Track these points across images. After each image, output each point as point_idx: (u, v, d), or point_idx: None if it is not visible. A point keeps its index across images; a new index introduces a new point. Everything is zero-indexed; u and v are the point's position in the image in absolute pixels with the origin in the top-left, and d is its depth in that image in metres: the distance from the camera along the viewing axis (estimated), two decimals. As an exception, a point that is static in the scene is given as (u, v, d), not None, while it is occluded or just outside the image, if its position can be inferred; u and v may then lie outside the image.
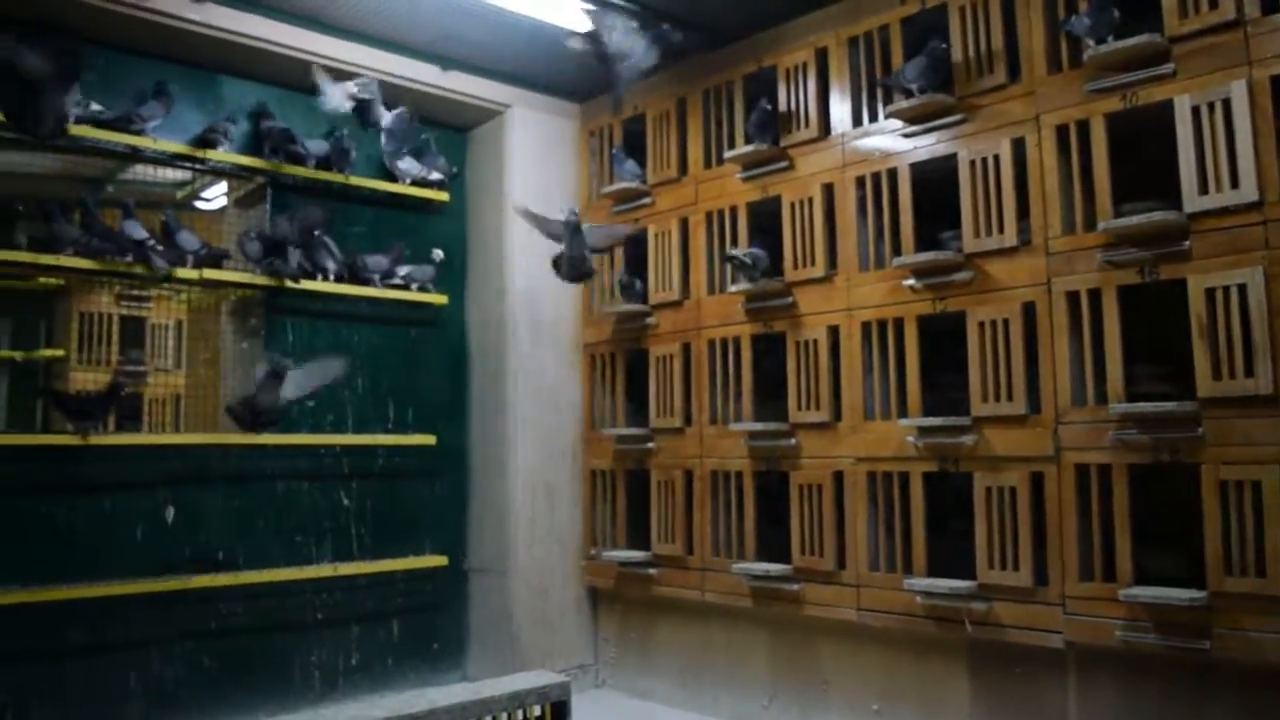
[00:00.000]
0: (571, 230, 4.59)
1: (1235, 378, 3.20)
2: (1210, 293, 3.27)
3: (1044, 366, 3.71)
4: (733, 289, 4.78)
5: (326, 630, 5.06)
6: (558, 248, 4.64)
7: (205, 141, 4.74)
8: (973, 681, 3.98)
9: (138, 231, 4.44)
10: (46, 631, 4.19)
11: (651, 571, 5.13)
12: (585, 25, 4.32)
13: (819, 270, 4.48)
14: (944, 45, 4.05)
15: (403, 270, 5.34)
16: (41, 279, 5.99)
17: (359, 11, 4.74)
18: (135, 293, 6.27)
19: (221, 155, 4.76)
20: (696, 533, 4.94)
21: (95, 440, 4.44)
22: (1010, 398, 3.76)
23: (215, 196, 5.95)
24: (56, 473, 4.32)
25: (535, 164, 5.65)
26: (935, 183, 4.11)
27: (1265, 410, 3.15)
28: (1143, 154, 3.60)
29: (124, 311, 6.49)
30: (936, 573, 3.97)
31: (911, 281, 4.09)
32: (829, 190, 4.50)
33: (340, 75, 4.80)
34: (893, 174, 4.24)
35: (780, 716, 4.68)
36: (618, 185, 5.41)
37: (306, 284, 4.94)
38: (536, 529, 5.46)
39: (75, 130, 4.31)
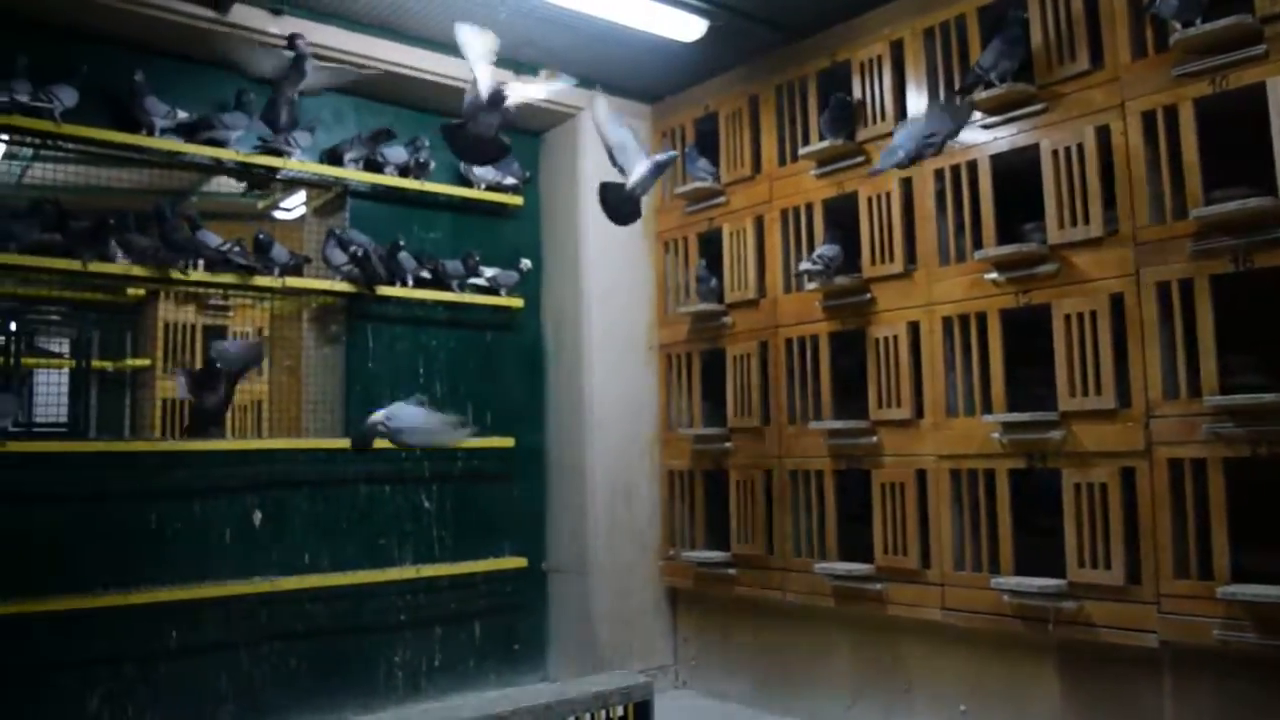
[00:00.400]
0: (479, 107, 3.66)
1: (1337, 367, 3.10)
2: (1309, 280, 3.17)
3: (1133, 359, 3.61)
4: (810, 287, 4.75)
5: (409, 631, 5.12)
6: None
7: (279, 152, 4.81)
8: (1063, 682, 3.90)
9: (211, 239, 4.53)
10: (141, 634, 4.30)
11: (731, 572, 5.11)
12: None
13: (898, 266, 4.42)
14: (1020, 26, 3.96)
15: (489, 272, 5.40)
16: (130, 290, 6.18)
17: (432, 19, 4.78)
18: (216, 302, 6.43)
19: (302, 165, 4.83)
20: (776, 532, 4.90)
21: (184, 446, 4.54)
22: (1099, 392, 3.67)
23: (295, 206, 6.07)
24: (148, 479, 4.42)
25: (608, 165, 5.62)
26: (1016, 174, 4.03)
27: (1370, 400, 3.04)
28: (1234, 139, 3.49)
29: (207, 321, 6.65)
30: (1024, 571, 3.89)
31: (994, 275, 4.02)
32: (907, 185, 4.44)
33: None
34: (972, 166, 4.17)
35: (863, 717, 4.63)
36: (691, 185, 5.40)
37: (387, 290, 5.00)
38: (615, 530, 5.46)
39: (159, 143, 4.42)
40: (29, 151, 4.84)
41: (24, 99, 4.04)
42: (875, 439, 4.45)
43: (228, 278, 4.61)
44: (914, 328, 4.36)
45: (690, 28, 4.78)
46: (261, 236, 4.69)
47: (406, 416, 3.91)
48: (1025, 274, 3.92)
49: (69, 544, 4.20)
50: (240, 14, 4.46)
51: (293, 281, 4.76)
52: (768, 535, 4.95)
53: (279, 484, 4.77)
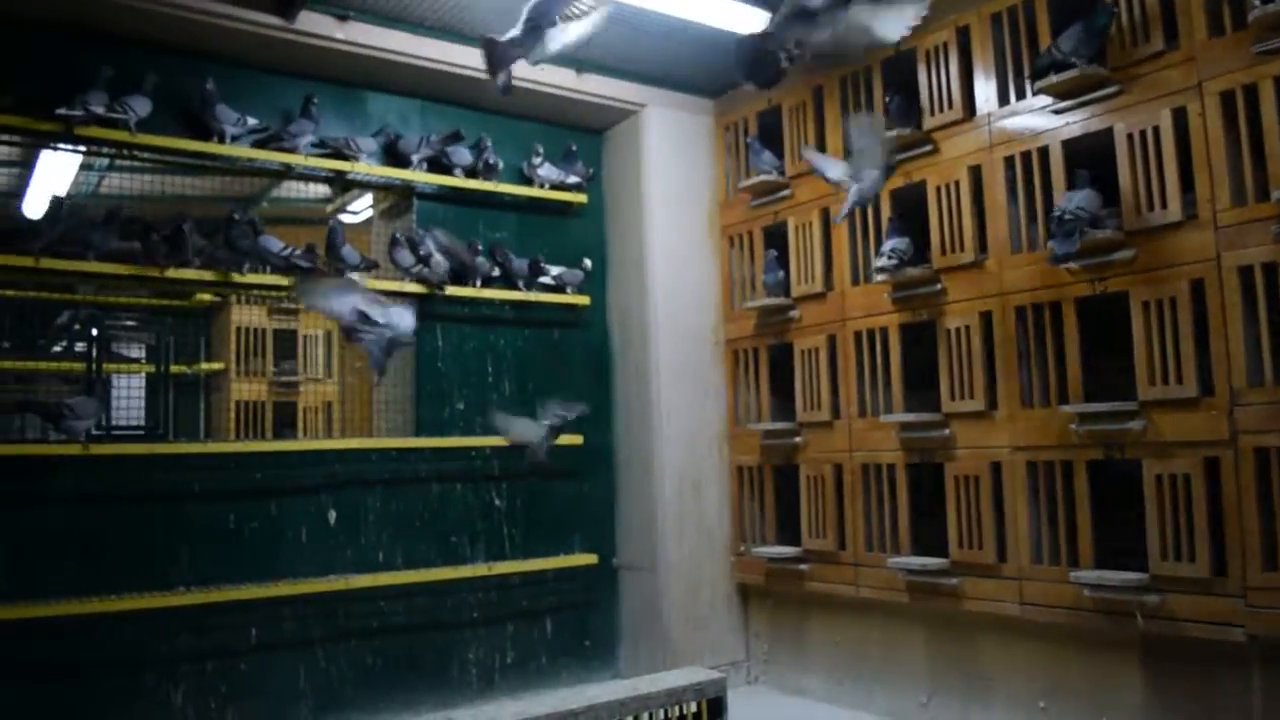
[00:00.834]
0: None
1: None
2: (1402, 261, 3.07)
3: (1215, 346, 3.52)
4: (878, 279, 4.69)
5: (482, 628, 5.16)
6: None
7: (346, 156, 4.87)
8: (1146, 677, 3.81)
9: (274, 245, 4.59)
10: (222, 631, 4.39)
11: (803, 567, 5.07)
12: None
13: (968, 255, 4.36)
14: (1108, 16, 3.84)
15: (555, 270, 5.44)
16: (200, 296, 6.31)
17: (496, 20, 4.79)
18: (285, 306, 6.55)
19: (369, 168, 4.88)
20: (848, 527, 4.86)
21: (260, 447, 4.62)
22: (1180, 380, 3.58)
23: (361, 209, 6.15)
24: (226, 480, 4.50)
25: (672, 161, 5.65)
26: (1089, 159, 3.94)
27: None
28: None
29: (276, 325, 6.77)
30: (1104, 564, 3.81)
31: (1069, 263, 3.93)
32: (975, 172, 4.38)
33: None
34: (1044, 152, 4.09)
35: (939, 714, 4.57)
36: (756, 178, 5.37)
37: (456, 290, 5.04)
38: (685, 526, 5.46)
39: (230, 150, 4.50)
40: (105, 161, 4.96)
41: (100, 110, 4.13)
42: (948, 431, 4.39)
43: (283, 280, 4.67)
44: (986, 318, 4.30)
45: (752, 20, 4.74)
46: (334, 233, 4.76)
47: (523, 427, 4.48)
48: (1101, 261, 3.84)
49: (151, 544, 4.30)
50: (307, 21, 4.52)
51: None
52: (839, 530, 4.91)
53: (353, 483, 4.83)
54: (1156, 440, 3.65)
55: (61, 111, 4.04)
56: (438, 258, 4.95)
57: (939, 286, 4.46)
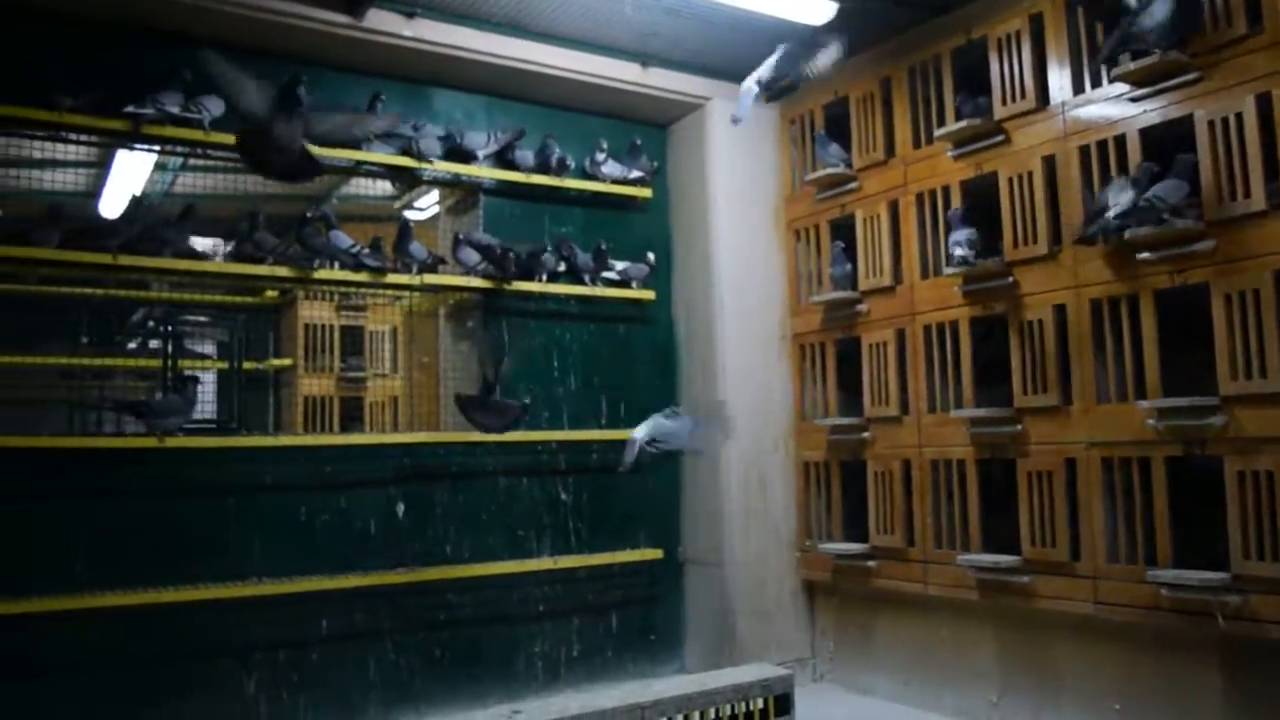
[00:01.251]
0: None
1: None
2: None
3: (1302, 339, 3.42)
4: (949, 271, 4.62)
5: (548, 622, 5.18)
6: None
7: (414, 153, 4.89)
8: (1226, 680, 3.71)
9: (343, 241, 4.65)
10: (294, 622, 4.46)
11: (870, 564, 5.02)
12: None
13: (1042, 248, 4.27)
14: (1197, 7, 3.73)
15: (619, 265, 5.44)
16: (268, 293, 6.41)
17: (561, 15, 4.82)
18: (353, 302, 6.63)
19: (439, 165, 4.92)
20: (917, 524, 4.80)
21: (330, 440, 4.68)
22: (1264, 375, 3.48)
23: (428, 206, 6.20)
24: (297, 473, 4.57)
25: (737, 155, 5.62)
26: (1167, 147, 3.84)
27: None
28: None
29: (344, 321, 6.86)
30: (1183, 564, 3.72)
31: (1146, 255, 3.84)
32: (1049, 163, 4.29)
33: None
34: (1120, 141, 4.00)
35: (1010, 714, 4.49)
36: (822, 171, 5.31)
37: (522, 285, 5.06)
38: (750, 521, 5.43)
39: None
40: (179, 161, 5.05)
41: (174, 110, 4.21)
42: (1020, 427, 4.32)
43: (363, 276, 4.72)
44: (1060, 311, 4.21)
45: (819, 11, 4.70)
46: (404, 227, 4.82)
47: (666, 431, 4.32)
48: (1180, 252, 3.74)
49: (225, 535, 4.39)
50: (375, 18, 4.56)
51: (430, 278, 4.86)
52: (907, 526, 4.85)
53: (420, 477, 4.87)
54: (1239, 436, 3.55)
55: (129, 110, 4.11)
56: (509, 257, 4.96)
57: (1011, 280, 4.38)
